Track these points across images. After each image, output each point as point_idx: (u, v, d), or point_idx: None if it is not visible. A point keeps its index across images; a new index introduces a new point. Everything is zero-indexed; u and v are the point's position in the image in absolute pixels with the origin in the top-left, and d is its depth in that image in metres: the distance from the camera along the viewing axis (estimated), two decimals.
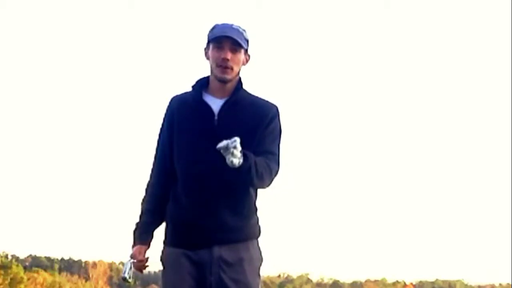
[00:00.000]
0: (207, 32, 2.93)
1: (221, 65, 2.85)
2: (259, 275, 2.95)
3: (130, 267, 2.92)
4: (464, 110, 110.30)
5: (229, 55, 2.84)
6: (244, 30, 2.89)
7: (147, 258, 2.95)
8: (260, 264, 2.95)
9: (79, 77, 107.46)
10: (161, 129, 3.00)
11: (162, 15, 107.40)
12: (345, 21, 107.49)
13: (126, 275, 2.91)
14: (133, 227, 2.99)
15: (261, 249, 2.97)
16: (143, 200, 3.00)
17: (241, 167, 2.65)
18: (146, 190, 3.01)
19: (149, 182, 3.01)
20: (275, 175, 2.87)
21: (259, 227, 2.97)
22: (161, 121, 3.01)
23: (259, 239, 2.97)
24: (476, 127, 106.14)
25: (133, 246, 2.96)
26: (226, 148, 2.60)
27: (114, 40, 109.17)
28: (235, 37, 2.84)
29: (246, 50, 2.92)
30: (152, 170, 3.01)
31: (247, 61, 2.94)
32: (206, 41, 2.93)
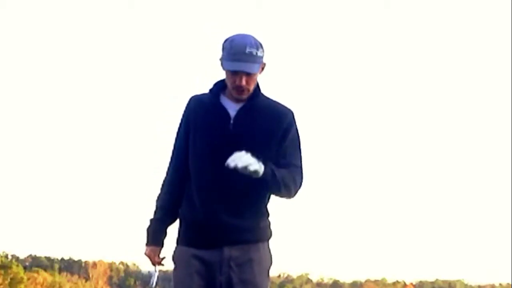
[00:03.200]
0: (223, 42, 2.89)
1: (237, 90, 2.88)
2: (268, 276, 2.98)
3: (157, 278, 3.04)
4: (464, 110, 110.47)
5: (243, 82, 2.85)
6: (258, 48, 2.84)
7: (163, 258, 3.01)
8: (270, 266, 2.98)
9: (79, 77, 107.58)
10: (179, 128, 3.03)
11: (162, 15, 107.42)
12: (345, 21, 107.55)
13: (154, 286, 3.04)
14: (147, 223, 3.03)
15: (271, 251, 3.00)
16: (158, 197, 3.05)
17: (264, 173, 2.75)
18: (162, 187, 3.05)
19: (164, 179, 3.05)
20: (300, 186, 2.91)
21: (271, 230, 3.00)
22: (180, 119, 3.03)
23: (270, 241, 3.00)
24: (476, 127, 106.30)
25: (146, 244, 3.01)
26: (243, 166, 2.70)
27: (114, 40, 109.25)
28: (249, 69, 2.82)
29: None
30: (168, 167, 3.05)
31: (262, 69, 2.93)
32: (220, 49, 2.90)
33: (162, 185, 3.05)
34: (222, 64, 2.91)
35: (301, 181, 2.91)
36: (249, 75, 2.85)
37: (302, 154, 2.96)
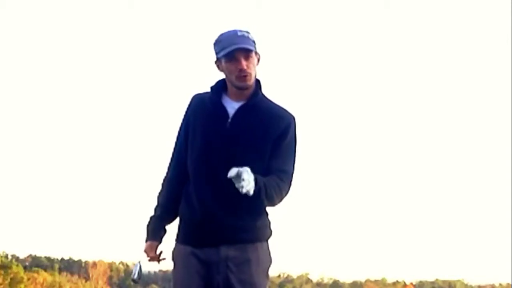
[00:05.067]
0: (213, 43, 2.92)
1: (240, 76, 2.86)
2: (267, 276, 2.97)
3: (139, 270, 3.04)
4: (464, 110, 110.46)
5: (244, 65, 2.85)
6: (248, 33, 2.90)
7: (161, 252, 3.03)
8: (269, 266, 2.97)
9: (79, 77, 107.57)
10: (180, 127, 3.04)
11: (162, 15, 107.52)
12: (345, 21, 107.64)
13: (136, 277, 3.05)
14: (147, 220, 3.04)
15: (271, 251, 2.98)
16: (158, 194, 3.06)
17: (255, 192, 2.69)
18: (162, 184, 3.07)
19: (165, 177, 3.07)
20: (285, 194, 2.90)
21: (271, 230, 2.99)
22: (182, 117, 3.04)
23: (269, 241, 2.98)
24: (476, 127, 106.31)
25: (146, 241, 3.03)
26: (237, 176, 2.64)
27: (114, 40, 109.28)
28: (245, 45, 2.85)
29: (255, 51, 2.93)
30: (169, 166, 3.06)
31: (258, 61, 2.95)
32: (214, 53, 2.93)
33: (163, 183, 3.06)
34: (218, 61, 2.92)
35: (288, 189, 2.90)
36: (247, 58, 2.85)
37: (296, 160, 2.94)
